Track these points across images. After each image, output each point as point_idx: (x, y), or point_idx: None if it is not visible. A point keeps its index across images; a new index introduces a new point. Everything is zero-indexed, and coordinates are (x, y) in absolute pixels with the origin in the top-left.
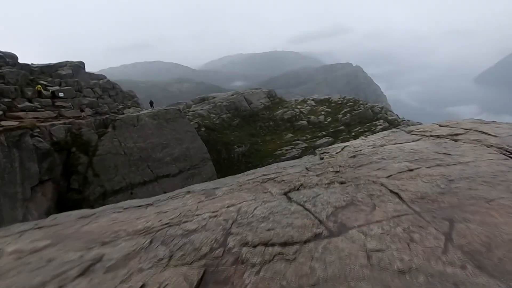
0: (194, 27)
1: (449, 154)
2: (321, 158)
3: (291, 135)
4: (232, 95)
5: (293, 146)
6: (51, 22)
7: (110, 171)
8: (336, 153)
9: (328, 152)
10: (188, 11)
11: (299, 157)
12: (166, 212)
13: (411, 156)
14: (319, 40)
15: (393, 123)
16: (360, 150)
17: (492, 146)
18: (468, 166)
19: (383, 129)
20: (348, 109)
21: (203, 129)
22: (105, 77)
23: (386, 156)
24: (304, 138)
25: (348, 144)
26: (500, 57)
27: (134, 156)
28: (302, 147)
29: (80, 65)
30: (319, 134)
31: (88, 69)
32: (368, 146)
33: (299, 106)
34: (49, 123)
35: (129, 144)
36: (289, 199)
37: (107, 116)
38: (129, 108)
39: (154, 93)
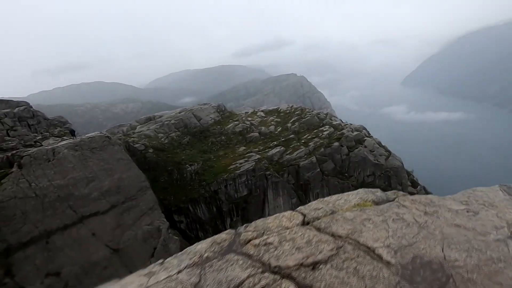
0: (136, 45)
1: None
2: None
3: (243, 147)
4: (180, 112)
5: (246, 159)
6: None
7: (15, 220)
8: None
9: None
10: (129, 29)
11: (253, 169)
12: None
13: None
14: (263, 53)
15: (338, 128)
16: None
17: None
18: None
19: (329, 134)
20: (296, 117)
21: (150, 150)
22: (27, 104)
23: None
24: (256, 149)
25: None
26: (420, 62)
27: (50, 197)
28: (256, 159)
29: None
30: (271, 144)
31: (12, 95)
32: None
33: (249, 118)
34: None
35: (43, 184)
36: None
37: (14, 152)
38: (49, 139)
39: (95, 115)
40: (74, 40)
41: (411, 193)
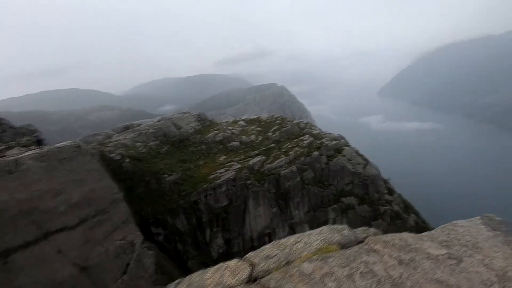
0: (115, 51)
1: None
2: None
3: (224, 157)
4: (159, 121)
5: (227, 168)
6: None
7: None
8: None
9: None
10: (107, 35)
11: (234, 179)
12: None
13: None
14: (244, 62)
15: (317, 137)
16: None
17: None
18: None
19: (309, 144)
20: (277, 126)
21: (127, 160)
22: None
23: None
24: (237, 159)
25: None
26: (395, 74)
27: (10, 211)
28: (236, 168)
29: None
30: (251, 154)
31: None
32: None
33: (230, 127)
34: None
35: (3, 198)
36: None
37: None
38: (13, 148)
39: (69, 123)
40: (48, 44)
41: (388, 201)
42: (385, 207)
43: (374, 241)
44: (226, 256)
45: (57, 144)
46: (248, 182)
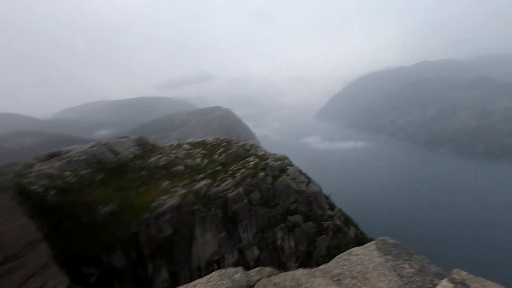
0: (40, 70)
1: None
2: None
3: (168, 182)
4: (92, 146)
5: (171, 195)
6: None
7: None
8: None
9: None
10: (31, 51)
11: (179, 205)
12: None
13: None
14: (188, 86)
15: (262, 158)
16: None
17: None
18: None
19: (255, 165)
20: (222, 149)
21: (53, 192)
22: None
23: None
24: (182, 183)
25: None
26: (328, 98)
27: None
28: (181, 194)
29: None
30: (197, 178)
31: None
32: None
33: (174, 151)
34: None
35: None
36: None
37: None
38: None
39: None
40: None
41: (330, 216)
42: (328, 222)
43: (264, 285)
44: None
45: None
46: (194, 207)
